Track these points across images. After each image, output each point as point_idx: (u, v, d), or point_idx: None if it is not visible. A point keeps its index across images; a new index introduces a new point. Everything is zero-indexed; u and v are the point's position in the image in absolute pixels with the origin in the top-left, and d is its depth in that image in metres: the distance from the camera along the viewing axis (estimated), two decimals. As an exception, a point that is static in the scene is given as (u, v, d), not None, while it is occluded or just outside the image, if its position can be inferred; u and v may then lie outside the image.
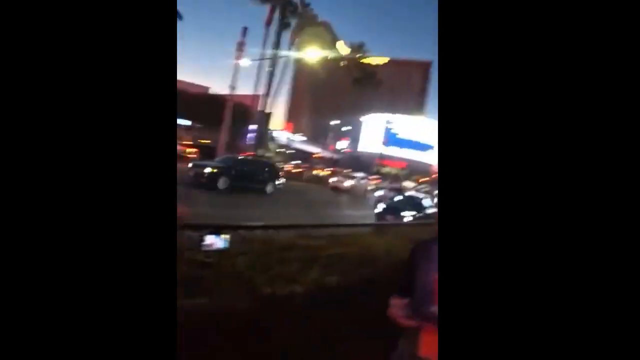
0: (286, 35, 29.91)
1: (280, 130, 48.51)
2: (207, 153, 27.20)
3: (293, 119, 73.20)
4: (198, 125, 34.07)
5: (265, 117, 33.03)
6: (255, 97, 29.27)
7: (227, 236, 3.91)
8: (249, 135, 30.48)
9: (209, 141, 33.02)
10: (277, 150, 40.61)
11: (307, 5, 29.45)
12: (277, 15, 28.21)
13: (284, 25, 29.72)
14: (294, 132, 56.04)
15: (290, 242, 5.57)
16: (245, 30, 25.03)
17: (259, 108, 31.68)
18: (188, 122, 33.42)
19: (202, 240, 3.79)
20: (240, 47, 25.13)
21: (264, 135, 32.27)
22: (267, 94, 31.72)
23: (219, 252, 3.88)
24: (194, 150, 27.55)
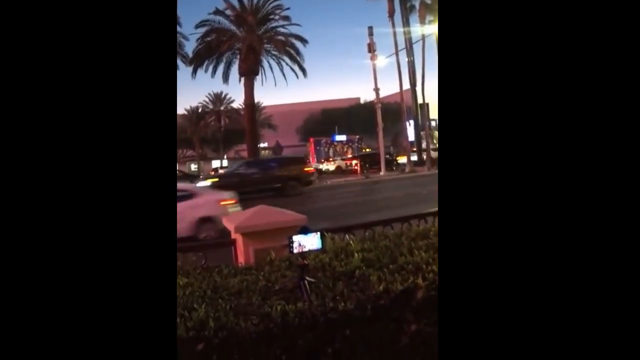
0: (414, 19, 28.45)
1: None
2: (373, 160, 27.39)
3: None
4: (357, 137, 34.83)
5: (420, 108, 31.70)
6: (404, 92, 28.35)
7: (317, 234, 3.39)
8: (407, 131, 29.60)
9: (368, 149, 33.34)
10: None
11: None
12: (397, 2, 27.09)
13: (409, 8, 28.39)
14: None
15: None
16: (371, 29, 24.75)
17: (411, 102, 30.62)
18: (343, 137, 34.55)
19: (291, 242, 3.37)
20: (371, 47, 24.84)
21: (425, 127, 30.92)
22: (414, 85, 30.50)
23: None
24: (356, 162, 28.03)
